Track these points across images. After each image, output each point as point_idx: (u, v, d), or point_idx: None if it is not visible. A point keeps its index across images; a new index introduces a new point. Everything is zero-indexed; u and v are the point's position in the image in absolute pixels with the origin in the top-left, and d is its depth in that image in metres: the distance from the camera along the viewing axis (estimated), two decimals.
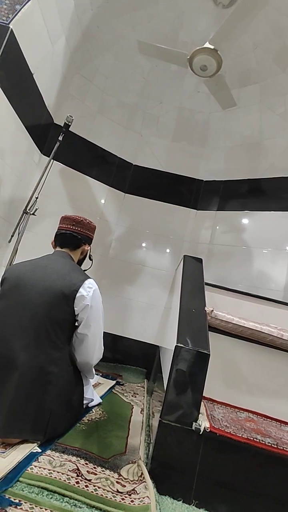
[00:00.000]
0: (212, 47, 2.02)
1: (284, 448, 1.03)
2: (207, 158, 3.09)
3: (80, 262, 1.53)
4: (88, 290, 1.27)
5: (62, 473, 0.93)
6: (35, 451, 1.03)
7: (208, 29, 2.50)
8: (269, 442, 1.04)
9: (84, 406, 1.41)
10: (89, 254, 1.55)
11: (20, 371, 1.11)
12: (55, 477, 0.91)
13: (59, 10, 2.08)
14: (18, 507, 0.78)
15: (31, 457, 0.99)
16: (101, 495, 0.89)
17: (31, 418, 1.09)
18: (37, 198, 2.07)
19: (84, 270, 1.51)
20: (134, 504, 0.88)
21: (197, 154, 3.10)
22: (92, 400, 1.49)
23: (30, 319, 1.18)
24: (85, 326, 1.26)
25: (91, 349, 1.30)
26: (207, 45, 2.03)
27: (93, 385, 1.63)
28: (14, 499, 0.80)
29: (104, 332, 1.40)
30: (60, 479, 0.91)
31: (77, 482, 0.91)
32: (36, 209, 2.06)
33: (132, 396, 1.90)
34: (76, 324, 1.28)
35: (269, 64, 2.63)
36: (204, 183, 3.06)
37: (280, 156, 2.69)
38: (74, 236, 1.46)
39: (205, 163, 3.09)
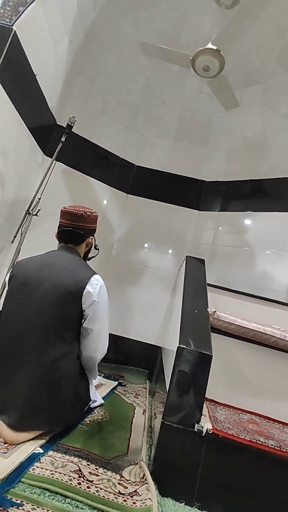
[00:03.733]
0: (214, 47, 2.02)
1: (287, 451, 1.02)
2: (210, 158, 3.09)
3: (86, 254, 1.55)
4: (95, 286, 1.29)
5: (64, 474, 0.93)
6: (37, 451, 1.03)
7: (211, 29, 2.49)
8: (272, 444, 1.03)
9: (86, 408, 1.41)
10: (95, 244, 1.55)
11: (32, 366, 1.15)
12: (57, 478, 0.91)
13: (62, 11, 2.09)
14: (20, 507, 0.78)
15: (33, 458, 0.99)
16: (103, 496, 0.88)
17: (47, 410, 1.14)
18: (39, 198, 2.07)
19: (91, 258, 1.55)
20: (136, 506, 0.88)
21: (199, 154, 3.09)
22: (95, 401, 1.49)
23: (39, 317, 1.20)
24: (90, 321, 1.27)
25: (96, 343, 1.31)
26: (209, 45, 2.03)
27: (95, 386, 1.63)
28: (16, 500, 0.80)
29: None
30: (62, 480, 0.91)
31: (79, 483, 0.91)
32: (39, 210, 2.06)
33: (134, 397, 1.89)
34: (83, 319, 1.29)
35: (272, 64, 2.63)
36: (206, 183, 3.06)
37: (283, 157, 2.68)
38: (76, 233, 1.45)
39: (207, 163, 3.09)
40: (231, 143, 3.01)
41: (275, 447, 1.02)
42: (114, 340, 2.54)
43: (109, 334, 1.43)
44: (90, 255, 1.57)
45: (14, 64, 1.84)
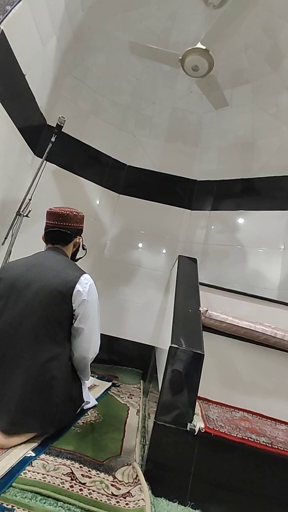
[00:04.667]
0: (203, 47, 2.03)
1: (279, 447, 1.03)
2: (201, 158, 3.10)
3: (74, 255, 1.54)
4: (85, 285, 1.28)
5: (56, 477, 0.93)
6: (28, 455, 1.02)
7: (200, 29, 2.51)
8: (263, 441, 1.04)
9: (79, 410, 1.40)
10: (82, 244, 1.54)
11: (24, 368, 1.14)
12: (49, 482, 0.90)
13: (49, 10, 2.07)
14: None
15: (24, 462, 0.98)
16: (96, 498, 0.88)
17: (39, 413, 1.13)
18: (30, 199, 2.06)
19: (79, 258, 1.54)
20: (129, 507, 0.87)
21: (191, 154, 3.11)
22: (88, 402, 1.48)
23: (29, 318, 1.19)
24: (81, 321, 1.27)
25: (87, 343, 1.30)
26: (198, 45, 2.04)
27: (88, 387, 1.62)
28: (7, 505, 0.79)
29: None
30: (54, 483, 0.90)
31: (71, 486, 0.90)
32: (30, 211, 2.04)
33: (128, 397, 1.89)
34: (73, 319, 1.28)
35: (260, 64, 2.65)
36: (198, 183, 3.07)
37: (273, 156, 2.71)
38: (63, 233, 1.44)
39: (198, 163, 3.10)
40: (222, 143, 3.02)
41: (267, 444, 1.03)
42: (108, 340, 2.54)
43: (102, 334, 1.42)
44: (78, 256, 1.56)
45: (2, 64, 1.82)
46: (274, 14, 2.36)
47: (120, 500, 0.89)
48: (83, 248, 1.55)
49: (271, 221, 2.60)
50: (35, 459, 1.00)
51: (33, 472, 0.93)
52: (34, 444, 1.09)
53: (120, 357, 2.65)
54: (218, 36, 1.96)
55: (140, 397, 1.93)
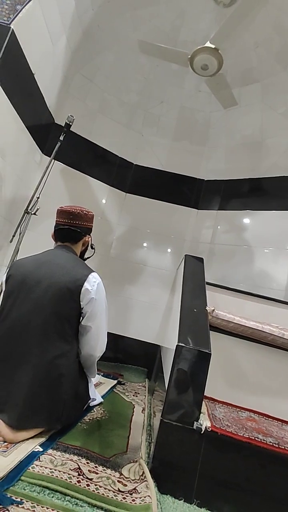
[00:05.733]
0: (213, 46, 2.02)
1: (286, 448, 1.03)
2: (208, 157, 3.09)
3: (82, 253, 1.55)
4: (93, 283, 1.29)
5: (64, 472, 0.94)
6: (36, 450, 1.04)
7: (209, 28, 2.49)
8: (270, 442, 1.04)
9: (85, 407, 1.42)
10: (91, 244, 1.55)
11: (32, 365, 1.15)
12: (57, 476, 0.91)
13: (60, 10, 2.08)
14: (20, 506, 0.78)
15: (32, 456, 0.99)
16: (103, 494, 0.89)
17: (47, 409, 1.14)
18: (38, 198, 2.07)
19: (87, 258, 1.54)
20: (135, 503, 0.88)
21: (198, 153, 3.09)
22: (94, 399, 1.49)
23: (38, 315, 1.20)
24: (89, 319, 1.28)
25: (94, 341, 1.31)
26: (208, 44, 2.03)
27: (94, 385, 1.63)
28: (16, 498, 0.80)
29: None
30: (61, 478, 0.91)
31: (79, 481, 0.91)
32: (38, 209, 2.06)
33: (133, 395, 1.90)
34: (81, 316, 1.29)
35: (270, 62, 2.63)
36: (205, 182, 3.06)
37: (282, 155, 2.68)
38: (73, 231, 1.46)
39: (206, 162, 3.09)
40: (230, 142, 3.01)
41: (274, 444, 1.02)
42: (114, 338, 2.55)
43: (109, 333, 1.43)
44: (86, 255, 1.57)
45: (12, 63, 1.84)
46: (284, 12, 2.34)
47: (127, 496, 0.90)
48: (92, 247, 1.56)
49: (279, 221, 2.58)
50: (43, 454, 1.02)
51: (41, 466, 0.95)
52: (42, 439, 1.10)
53: (126, 355, 2.66)
54: (228, 35, 1.95)
55: (145, 395, 1.94)
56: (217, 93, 2.37)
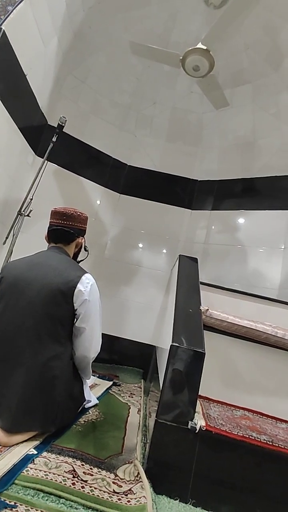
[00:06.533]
0: (204, 47, 2.03)
1: (280, 445, 1.03)
2: (201, 158, 3.10)
3: (76, 255, 1.53)
4: (86, 285, 1.28)
5: (58, 475, 0.93)
6: (30, 453, 1.03)
7: (200, 29, 2.51)
8: (264, 439, 1.04)
9: (80, 409, 1.41)
10: (84, 246, 1.54)
11: (26, 367, 1.14)
12: (51, 479, 0.90)
13: (50, 11, 2.08)
14: (14, 509, 0.77)
15: (26, 459, 0.98)
16: (98, 495, 0.88)
17: (41, 411, 1.14)
18: (31, 199, 2.06)
19: (81, 261, 1.53)
20: (130, 504, 0.88)
21: (191, 154, 3.11)
22: (89, 401, 1.48)
23: (31, 317, 1.19)
24: (83, 320, 1.27)
25: (88, 342, 1.31)
26: (199, 45, 2.04)
27: (89, 386, 1.62)
28: (10, 502, 0.79)
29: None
30: (56, 480, 0.90)
31: (73, 484, 0.91)
32: (31, 211, 2.05)
33: (129, 396, 1.89)
34: (75, 318, 1.28)
35: (261, 64, 2.65)
36: (198, 183, 3.08)
37: (273, 155, 2.71)
38: (66, 232, 1.45)
39: (199, 163, 3.10)
40: (223, 143, 3.03)
41: (268, 442, 1.03)
42: (109, 340, 2.55)
43: (103, 334, 1.42)
44: (80, 258, 1.55)
45: (3, 64, 1.83)
46: (274, 14, 2.37)
47: (122, 497, 0.90)
48: (85, 250, 1.55)
49: (272, 221, 2.61)
50: (37, 457, 1.01)
51: (35, 469, 0.94)
52: (36, 442, 1.10)
53: (121, 356, 2.65)
54: (218, 36, 1.97)
55: (141, 396, 1.94)
56: (209, 94, 2.39)
